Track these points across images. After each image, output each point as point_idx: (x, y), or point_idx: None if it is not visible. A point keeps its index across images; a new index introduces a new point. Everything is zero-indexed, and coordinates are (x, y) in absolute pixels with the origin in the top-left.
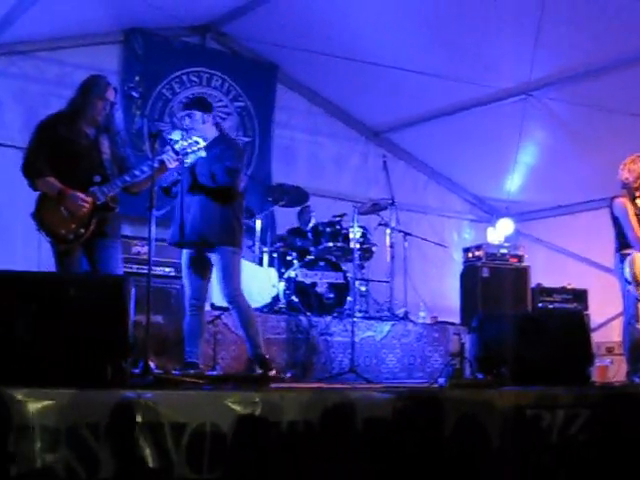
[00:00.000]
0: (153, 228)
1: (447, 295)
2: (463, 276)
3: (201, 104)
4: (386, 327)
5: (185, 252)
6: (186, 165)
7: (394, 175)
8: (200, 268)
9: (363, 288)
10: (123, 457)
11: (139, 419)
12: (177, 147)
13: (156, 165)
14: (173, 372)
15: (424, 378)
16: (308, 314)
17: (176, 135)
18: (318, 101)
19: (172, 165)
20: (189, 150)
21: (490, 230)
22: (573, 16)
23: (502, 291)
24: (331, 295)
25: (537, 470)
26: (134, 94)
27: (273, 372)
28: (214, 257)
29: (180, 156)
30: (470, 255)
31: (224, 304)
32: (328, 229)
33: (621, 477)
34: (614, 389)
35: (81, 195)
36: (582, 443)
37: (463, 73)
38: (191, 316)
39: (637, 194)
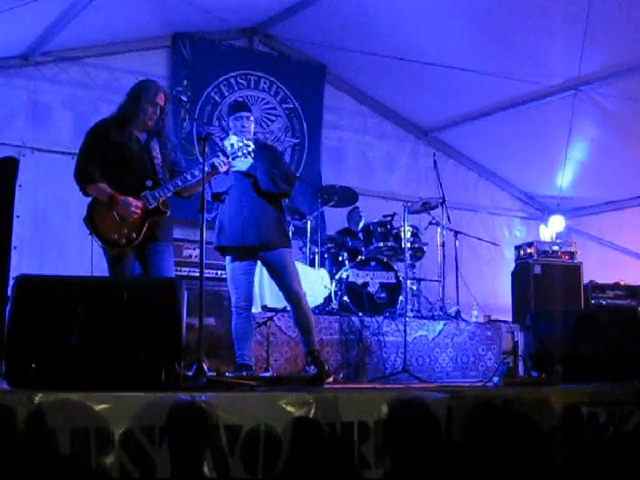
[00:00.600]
0: (204, 231)
1: (499, 293)
2: (515, 274)
3: (248, 107)
4: (438, 326)
5: (230, 256)
6: (238, 169)
7: (444, 174)
8: (249, 271)
9: (415, 287)
10: (178, 460)
11: (193, 422)
12: (228, 151)
13: (207, 169)
14: (226, 374)
15: (478, 377)
16: (360, 314)
17: (232, 139)
18: (366, 101)
19: (223, 169)
20: (239, 154)
21: (542, 227)
22: (621, 10)
23: (555, 288)
24: (383, 295)
25: (593, 468)
26: (183, 98)
27: (330, 378)
28: (272, 259)
29: (231, 159)
30: (522, 253)
31: (277, 305)
32: (379, 229)
33: None
34: None
35: (133, 201)
36: (638, 440)
37: (512, 70)
38: (242, 318)
39: None
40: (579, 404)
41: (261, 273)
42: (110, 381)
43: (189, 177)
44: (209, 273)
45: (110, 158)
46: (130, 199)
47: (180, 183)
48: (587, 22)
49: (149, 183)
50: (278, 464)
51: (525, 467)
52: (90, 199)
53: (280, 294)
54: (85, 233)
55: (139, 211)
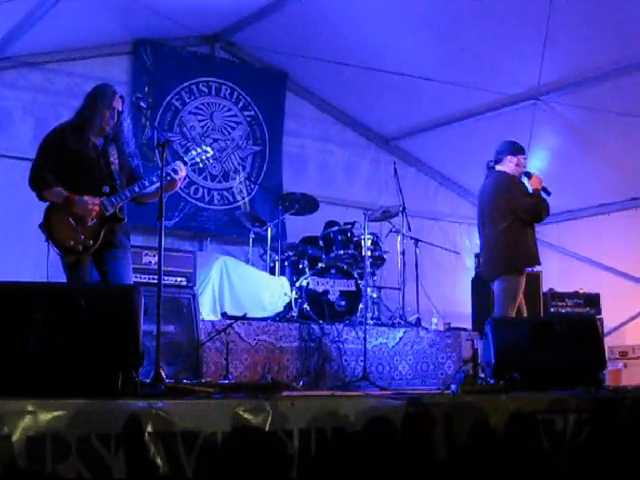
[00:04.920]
0: (163, 238)
1: (459, 301)
2: (475, 282)
3: None
4: (398, 334)
5: None
6: None
7: (405, 182)
8: None
9: (375, 295)
10: (134, 467)
11: (150, 429)
12: (186, 157)
13: (165, 175)
14: (184, 381)
15: (437, 385)
16: (320, 322)
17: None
18: (328, 109)
19: (181, 174)
20: (198, 159)
21: None
22: (581, 21)
23: None
24: (343, 303)
25: (549, 475)
26: (142, 104)
27: None
28: None
29: (188, 166)
30: (482, 260)
31: (237, 312)
32: (339, 237)
33: None
34: (627, 393)
35: (89, 199)
36: (594, 447)
37: (472, 79)
38: None
39: None
40: (536, 412)
41: (221, 280)
42: (67, 388)
43: (147, 183)
44: (168, 280)
45: (67, 164)
46: (86, 198)
47: (138, 189)
48: (547, 32)
49: (106, 189)
50: (236, 471)
51: (482, 474)
52: (47, 205)
53: (241, 301)
54: (42, 239)
55: (97, 208)
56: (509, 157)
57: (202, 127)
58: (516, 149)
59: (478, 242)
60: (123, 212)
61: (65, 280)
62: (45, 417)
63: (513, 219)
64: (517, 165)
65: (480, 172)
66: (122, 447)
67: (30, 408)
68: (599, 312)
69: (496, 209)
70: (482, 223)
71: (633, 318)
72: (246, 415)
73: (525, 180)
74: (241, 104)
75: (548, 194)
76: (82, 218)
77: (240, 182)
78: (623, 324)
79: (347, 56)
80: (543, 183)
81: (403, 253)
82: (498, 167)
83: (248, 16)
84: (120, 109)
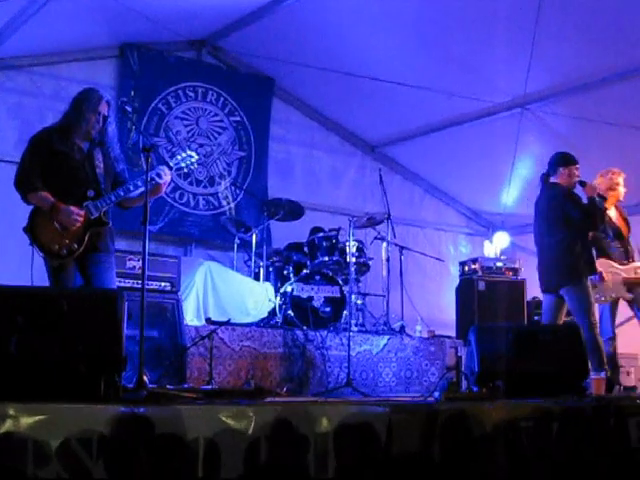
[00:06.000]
0: (147, 242)
1: (444, 309)
2: (459, 289)
3: None
4: (382, 341)
5: None
6: None
7: (390, 189)
8: None
9: (359, 302)
10: (116, 472)
11: (132, 434)
12: (171, 162)
13: (149, 179)
14: (167, 387)
15: (421, 392)
16: (304, 328)
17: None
18: (314, 115)
19: (166, 179)
20: (183, 164)
21: (486, 243)
22: (567, 30)
23: (498, 304)
24: (327, 309)
25: None
26: (127, 108)
27: None
28: None
29: (173, 171)
30: (466, 268)
31: (221, 318)
32: (324, 243)
33: None
34: (609, 401)
35: (75, 209)
36: (577, 456)
37: (459, 87)
38: None
39: (606, 205)
40: (519, 419)
41: (205, 285)
42: (49, 392)
43: (131, 187)
44: (152, 285)
45: (52, 167)
46: (72, 208)
47: (122, 193)
48: (534, 41)
49: (91, 193)
50: (218, 477)
51: None
52: (31, 209)
53: (225, 307)
54: (26, 243)
55: (81, 219)
56: (561, 169)
57: (188, 132)
58: (567, 160)
59: (463, 250)
60: (108, 216)
61: (49, 284)
62: (26, 421)
63: (569, 230)
64: (569, 176)
65: (465, 180)
66: (104, 452)
67: (11, 412)
68: None
69: (551, 221)
70: (539, 234)
71: (617, 327)
72: (229, 421)
73: (580, 189)
74: (227, 109)
75: (604, 199)
76: (66, 225)
77: (225, 187)
78: None
79: (334, 62)
80: (599, 190)
81: (388, 260)
82: (552, 179)
83: (235, 21)
84: (106, 114)
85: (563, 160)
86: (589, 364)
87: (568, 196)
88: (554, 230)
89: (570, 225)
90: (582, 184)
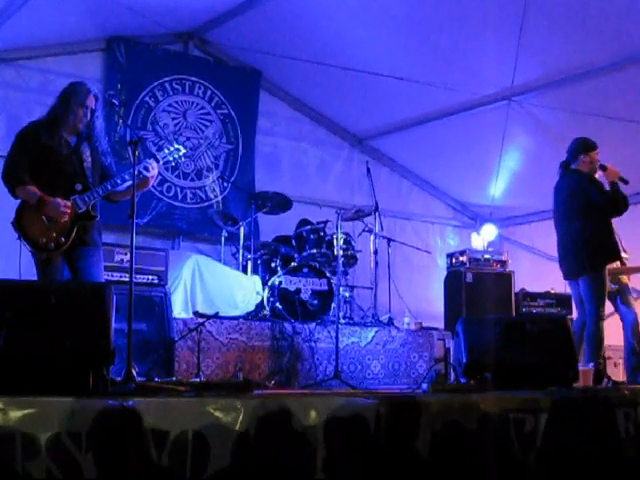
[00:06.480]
0: (134, 236)
1: (431, 301)
2: (447, 281)
3: None
4: (370, 333)
5: None
6: None
7: (378, 181)
8: None
9: (347, 294)
10: (105, 465)
11: (121, 427)
12: (159, 155)
13: (137, 173)
14: (155, 379)
15: (409, 384)
16: (292, 321)
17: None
18: (301, 108)
19: (153, 172)
20: (170, 158)
21: (474, 235)
22: (554, 22)
23: (486, 296)
24: (315, 302)
25: (521, 474)
26: (114, 102)
27: None
28: None
29: (161, 164)
30: (454, 260)
31: (208, 311)
32: (312, 236)
33: (605, 479)
34: (597, 392)
35: (62, 202)
36: (565, 447)
37: (446, 79)
38: None
39: None
40: (507, 411)
41: (193, 278)
42: (37, 386)
43: (119, 181)
44: (140, 278)
45: (40, 161)
46: (59, 200)
47: (110, 187)
48: (521, 33)
49: (79, 187)
50: (207, 470)
51: (453, 473)
52: (19, 203)
53: (213, 300)
54: (14, 237)
55: (69, 211)
56: (581, 156)
57: (175, 125)
58: (587, 146)
59: (450, 242)
60: (96, 210)
61: (37, 277)
62: (15, 415)
63: (591, 217)
64: (591, 162)
65: (453, 172)
66: (93, 445)
67: (0, 405)
68: (570, 312)
69: (573, 208)
70: (559, 221)
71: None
72: (217, 414)
73: (601, 173)
74: (214, 102)
75: (626, 183)
76: (54, 218)
77: (213, 180)
78: None
79: (321, 55)
80: (620, 173)
81: (376, 252)
82: (573, 166)
83: (222, 14)
84: (94, 107)
85: (583, 146)
86: (584, 354)
87: (591, 183)
88: (575, 217)
89: (592, 212)
90: (603, 168)
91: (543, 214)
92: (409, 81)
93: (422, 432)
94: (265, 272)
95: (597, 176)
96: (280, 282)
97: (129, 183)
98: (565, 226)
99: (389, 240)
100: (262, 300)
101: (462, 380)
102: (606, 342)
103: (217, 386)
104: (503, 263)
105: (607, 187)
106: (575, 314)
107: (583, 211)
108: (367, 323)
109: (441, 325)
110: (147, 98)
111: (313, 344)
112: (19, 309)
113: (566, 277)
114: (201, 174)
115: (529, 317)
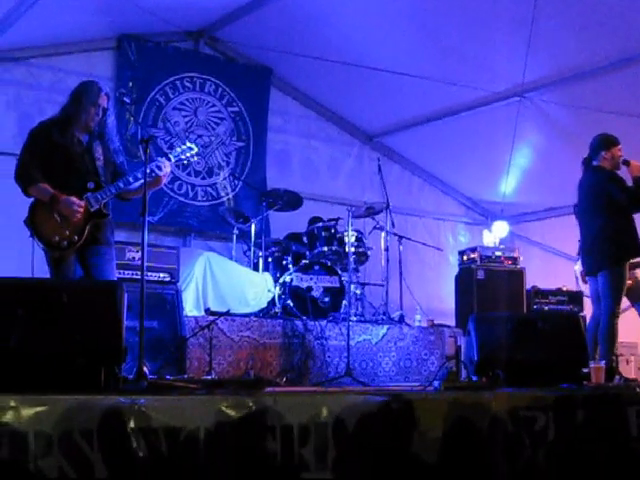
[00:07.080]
0: (146, 233)
1: (443, 298)
2: (458, 278)
3: None
4: (382, 330)
5: None
6: None
7: (388, 179)
8: None
9: (358, 292)
10: (116, 463)
11: (132, 425)
12: (171, 154)
13: (149, 171)
14: (167, 377)
15: (420, 381)
16: (304, 318)
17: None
18: (312, 105)
19: (165, 171)
20: (183, 157)
21: (485, 232)
22: (566, 19)
23: (497, 293)
24: (326, 299)
25: (531, 472)
26: (126, 100)
27: None
28: None
29: (173, 162)
30: (465, 258)
31: (220, 309)
32: (323, 233)
33: (615, 477)
34: (608, 390)
35: (75, 200)
36: (575, 445)
37: (457, 76)
38: None
39: None
40: (519, 408)
41: (204, 276)
42: (49, 383)
43: (131, 179)
44: (151, 276)
45: (52, 160)
46: (72, 198)
47: (122, 185)
48: (532, 30)
49: (91, 185)
50: (217, 467)
51: (464, 470)
52: (31, 201)
53: (224, 297)
54: (27, 235)
55: (82, 210)
56: (603, 153)
57: (186, 123)
58: (609, 142)
59: (462, 239)
60: (108, 208)
61: (50, 275)
62: (28, 413)
63: (612, 214)
64: (612, 158)
65: (464, 169)
66: (104, 443)
67: (13, 404)
68: (582, 309)
69: (595, 205)
70: (582, 218)
71: None
72: (229, 411)
73: (625, 169)
74: (225, 100)
75: None
76: (67, 216)
77: (224, 178)
78: None
79: (332, 52)
80: None
81: (387, 250)
82: (594, 163)
83: (232, 12)
84: (105, 106)
85: (604, 143)
86: (597, 351)
87: (612, 180)
88: (597, 214)
89: (615, 209)
90: (626, 163)
91: (554, 211)
92: (420, 78)
93: (433, 430)
94: (276, 269)
95: (620, 171)
96: (291, 279)
97: (141, 181)
98: (587, 222)
99: (400, 237)
100: (273, 297)
101: (473, 377)
102: (618, 339)
103: (229, 384)
104: (514, 260)
105: (630, 182)
106: (588, 312)
107: (605, 208)
108: (378, 320)
109: (452, 322)
110: (158, 96)
111: (324, 341)
112: (32, 307)
113: (587, 273)
114: (212, 172)
115: (541, 314)
